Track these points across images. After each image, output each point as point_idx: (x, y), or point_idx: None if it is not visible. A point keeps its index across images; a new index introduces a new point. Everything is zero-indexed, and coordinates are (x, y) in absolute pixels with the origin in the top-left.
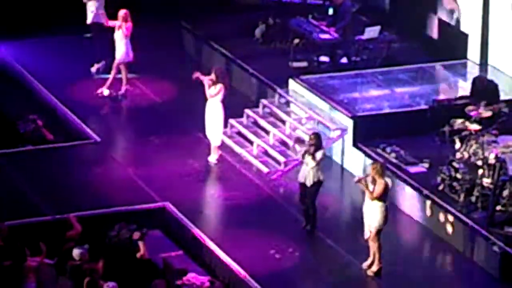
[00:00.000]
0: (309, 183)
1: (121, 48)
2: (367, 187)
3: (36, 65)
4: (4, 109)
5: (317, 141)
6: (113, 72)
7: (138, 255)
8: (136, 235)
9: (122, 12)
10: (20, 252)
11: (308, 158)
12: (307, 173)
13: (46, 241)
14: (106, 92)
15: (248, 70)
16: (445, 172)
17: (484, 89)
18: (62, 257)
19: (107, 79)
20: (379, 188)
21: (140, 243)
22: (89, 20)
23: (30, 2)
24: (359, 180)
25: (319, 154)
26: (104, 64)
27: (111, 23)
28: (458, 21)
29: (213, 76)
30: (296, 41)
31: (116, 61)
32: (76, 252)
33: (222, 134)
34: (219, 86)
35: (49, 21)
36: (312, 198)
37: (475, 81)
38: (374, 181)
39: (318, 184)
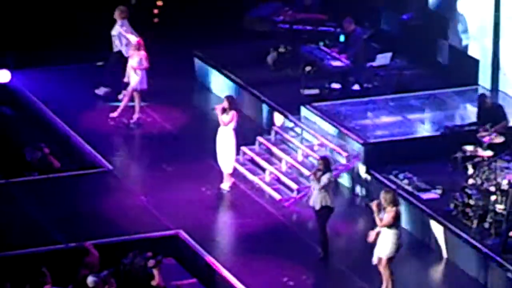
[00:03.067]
0: (317, 207)
1: (134, 75)
2: (377, 214)
3: (48, 93)
4: (15, 137)
5: (324, 165)
6: (125, 99)
7: (153, 283)
8: (151, 262)
9: (135, 41)
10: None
11: (313, 182)
12: (315, 198)
13: (59, 270)
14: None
15: (260, 97)
16: (458, 198)
17: (489, 110)
18: (77, 285)
19: (115, 106)
20: (388, 217)
21: (155, 271)
22: (116, 49)
23: (41, 31)
24: (367, 204)
25: (324, 179)
26: (110, 91)
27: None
28: (468, 47)
29: (225, 103)
30: (308, 68)
31: (129, 88)
32: (90, 280)
33: (235, 161)
34: (232, 113)
35: (61, 49)
36: (321, 223)
37: (479, 100)
38: (384, 209)
39: (326, 209)
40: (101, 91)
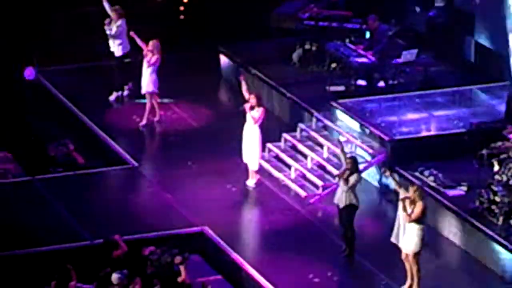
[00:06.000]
0: (341, 205)
1: (145, 77)
2: (405, 208)
3: (74, 90)
4: (41, 134)
5: (353, 165)
6: (148, 103)
7: (179, 279)
8: (178, 259)
9: (151, 42)
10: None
11: (341, 182)
12: (340, 196)
13: (84, 266)
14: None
15: (286, 94)
16: (483, 195)
17: None
18: (101, 282)
19: (137, 103)
20: (418, 210)
21: (182, 268)
22: (119, 53)
23: (65, 28)
24: (388, 173)
25: (352, 179)
26: (127, 92)
27: (141, 44)
28: (495, 43)
29: (253, 100)
30: (333, 65)
31: (146, 93)
32: (114, 277)
33: (260, 158)
34: (261, 109)
35: (86, 46)
36: (347, 221)
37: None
38: (412, 203)
39: (350, 207)
40: (113, 96)
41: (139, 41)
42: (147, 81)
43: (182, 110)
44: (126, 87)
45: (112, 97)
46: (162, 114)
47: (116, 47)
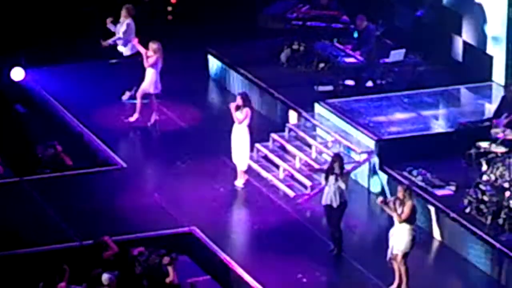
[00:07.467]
0: (335, 204)
1: (147, 77)
2: (395, 209)
3: (61, 91)
4: (29, 135)
5: (339, 163)
6: (138, 100)
7: (167, 280)
8: (166, 260)
9: (150, 44)
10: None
11: (339, 181)
12: (333, 195)
13: (73, 267)
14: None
15: (274, 95)
16: (472, 195)
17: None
18: (91, 283)
19: (134, 104)
20: (407, 210)
21: (170, 268)
22: (127, 52)
23: (53, 28)
24: (382, 202)
25: (345, 176)
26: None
27: (140, 48)
28: (483, 43)
29: (239, 100)
30: (321, 65)
31: (140, 90)
32: (105, 277)
33: (249, 158)
34: (245, 110)
35: (74, 46)
36: (338, 220)
37: (503, 98)
38: (401, 203)
39: (344, 204)
40: (126, 96)
41: (140, 48)
42: (148, 81)
43: (170, 111)
44: (129, 93)
45: (124, 96)
46: (157, 119)
47: (123, 47)
